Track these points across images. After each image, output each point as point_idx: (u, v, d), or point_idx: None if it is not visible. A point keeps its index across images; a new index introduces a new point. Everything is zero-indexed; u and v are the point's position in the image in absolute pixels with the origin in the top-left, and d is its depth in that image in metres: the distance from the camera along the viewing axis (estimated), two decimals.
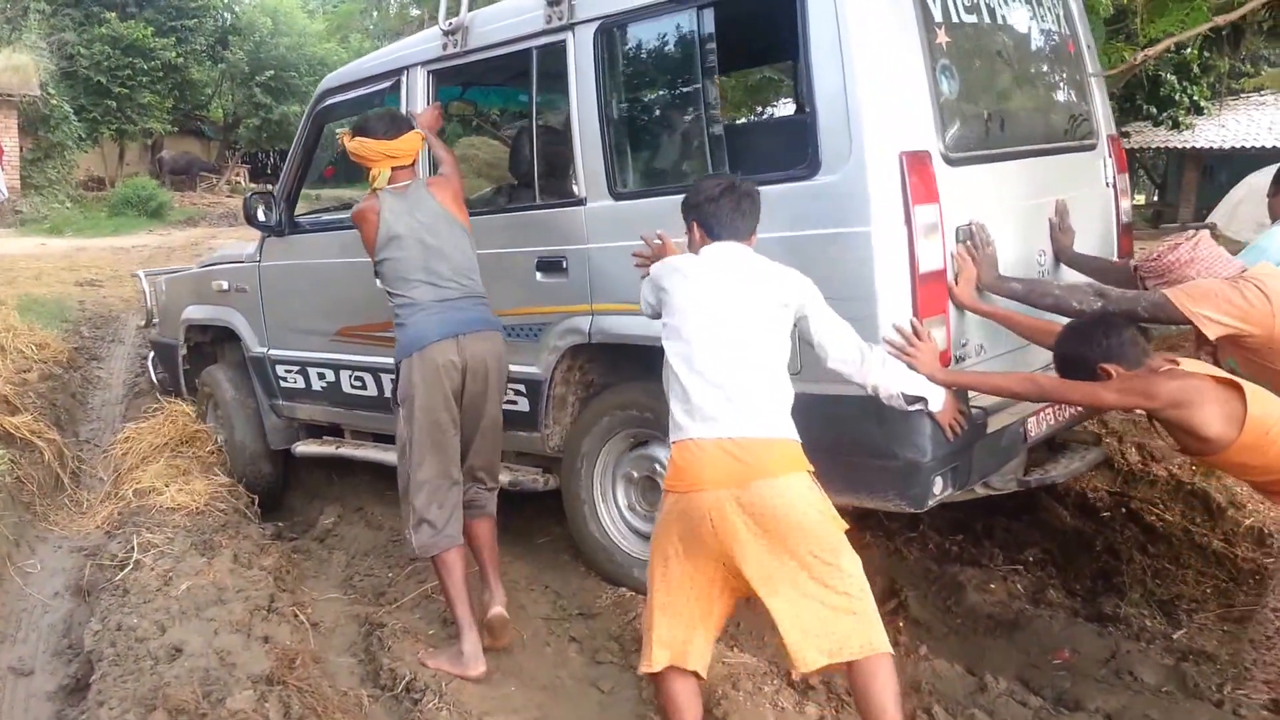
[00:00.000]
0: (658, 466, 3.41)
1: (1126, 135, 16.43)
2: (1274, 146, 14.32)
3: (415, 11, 17.18)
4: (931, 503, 2.84)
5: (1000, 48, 3.35)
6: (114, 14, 21.90)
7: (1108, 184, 3.76)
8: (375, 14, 18.83)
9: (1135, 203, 19.10)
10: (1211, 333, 2.62)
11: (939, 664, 3.23)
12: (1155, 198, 22.36)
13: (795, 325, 2.57)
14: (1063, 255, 3.36)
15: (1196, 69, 13.66)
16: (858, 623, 2.30)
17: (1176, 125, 15.75)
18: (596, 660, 3.24)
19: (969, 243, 2.94)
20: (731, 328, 2.45)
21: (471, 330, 3.19)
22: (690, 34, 3.21)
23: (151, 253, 13.58)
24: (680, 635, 2.41)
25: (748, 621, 3.26)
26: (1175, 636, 3.32)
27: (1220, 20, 3.42)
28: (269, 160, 32.28)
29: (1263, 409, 2.44)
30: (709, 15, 3.11)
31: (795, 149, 2.96)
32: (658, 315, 2.64)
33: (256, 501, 4.88)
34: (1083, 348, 2.61)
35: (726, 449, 2.34)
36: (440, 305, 3.18)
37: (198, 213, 20.55)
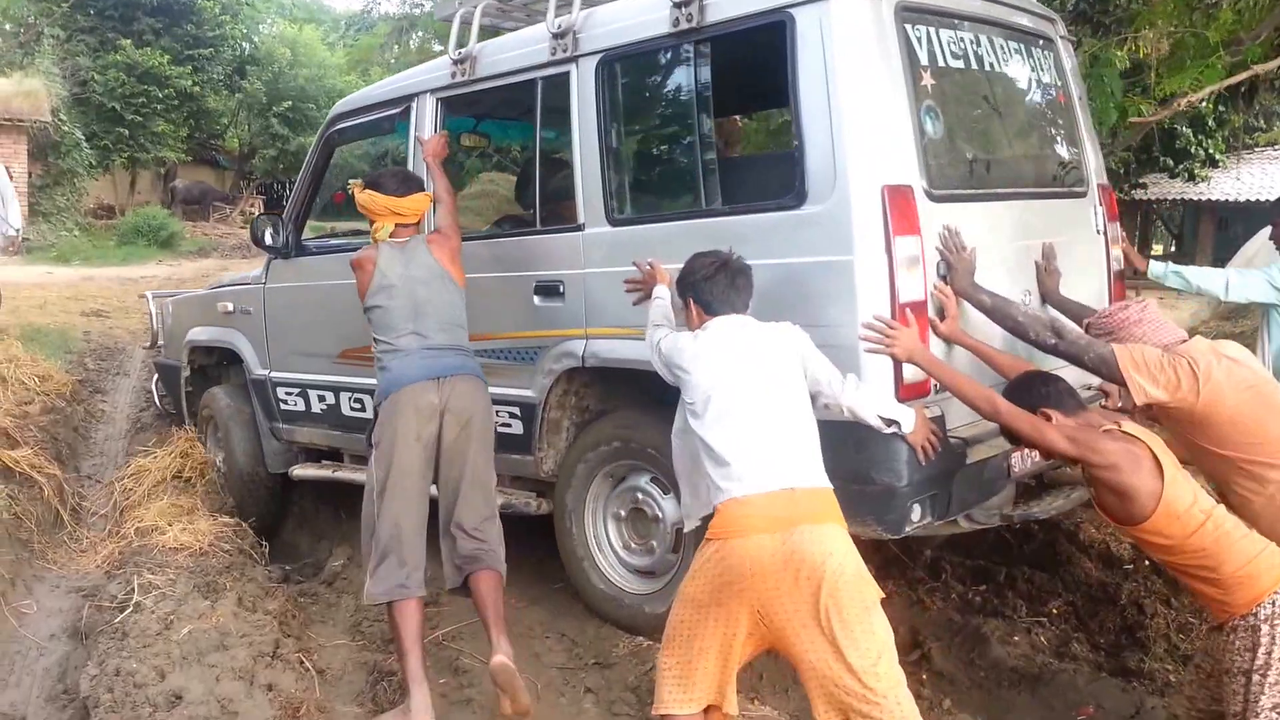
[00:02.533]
0: (639, 495, 3.53)
1: (1144, 186, 16.63)
2: None
3: (438, 47, 17.29)
4: (909, 529, 2.94)
5: (987, 93, 3.50)
6: (130, 41, 21.95)
7: (1098, 231, 3.86)
8: (396, 47, 18.93)
9: (1154, 253, 19.38)
10: (1139, 399, 2.73)
11: (962, 718, 3.20)
12: (1173, 248, 22.70)
13: None
14: (1049, 297, 3.47)
15: (1212, 123, 13.81)
16: (874, 694, 2.28)
17: (1192, 178, 15.88)
18: (613, 712, 3.15)
19: (946, 241, 3.04)
20: (756, 391, 2.54)
21: (453, 374, 3.24)
22: (687, 69, 3.38)
23: (160, 283, 13.53)
24: (713, 685, 2.45)
25: (770, 673, 3.22)
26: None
27: (1233, 80, 3.45)
28: (284, 191, 32.43)
29: (1176, 491, 2.50)
30: (705, 51, 3.27)
31: (785, 180, 3.11)
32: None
33: (260, 540, 4.81)
34: (1024, 393, 2.73)
35: (774, 498, 2.39)
36: (424, 352, 3.24)
37: (210, 243, 20.60)
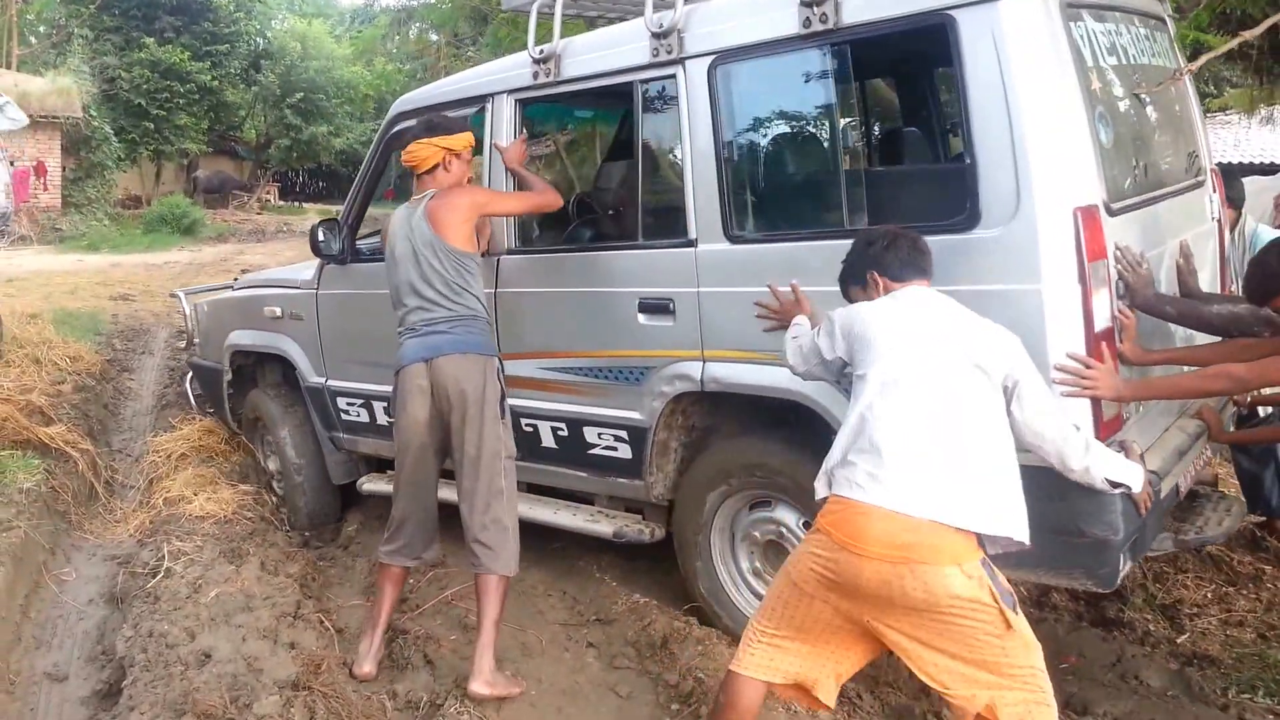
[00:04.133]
0: (783, 530, 3.24)
1: None
2: (1239, 163, 14.25)
3: (434, 37, 17.43)
4: (1118, 580, 2.67)
5: (1136, 90, 3.19)
6: (153, 39, 22.55)
7: (1213, 218, 3.64)
8: (396, 38, 19.21)
9: None
10: None
11: None
12: None
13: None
14: (1191, 297, 3.20)
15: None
16: (1019, 703, 2.13)
17: None
18: (614, 665, 3.28)
19: (1124, 260, 2.77)
20: (946, 383, 2.22)
21: (443, 354, 3.16)
22: (821, 74, 3.03)
23: (182, 268, 13.86)
24: (803, 661, 2.28)
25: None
26: (1179, 641, 3.33)
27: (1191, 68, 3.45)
28: (298, 179, 32.86)
29: None
30: (843, 54, 2.94)
31: (948, 200, 2.76)
32: (817, 372, 2.57)
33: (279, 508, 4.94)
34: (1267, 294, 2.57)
35: (898, 521, 2.10)
36: (424, 328, 3.21)
37: (228, 229, 20.98)
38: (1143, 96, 3.20)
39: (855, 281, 2.54)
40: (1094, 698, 3.01)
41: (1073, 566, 2.57)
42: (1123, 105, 3.09)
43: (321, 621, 3.62)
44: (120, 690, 3.20)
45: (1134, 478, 2.39)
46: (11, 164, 17.91)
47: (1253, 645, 3.25)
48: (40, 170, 18.60)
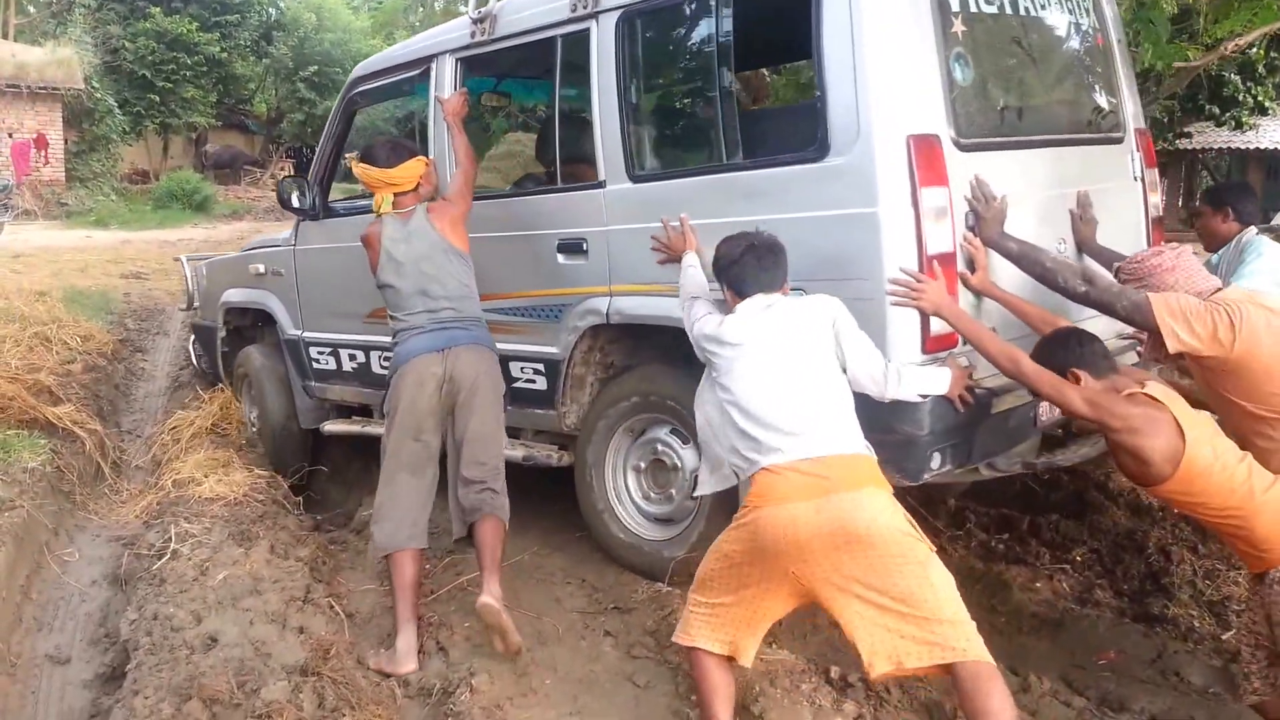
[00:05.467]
0: (659, 446, 3.56)
1: (1189, 135, 16.12)
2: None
3: (462, 8, 17.19)
4: (927, 477, 2.91)
5: (1021, 38, 3.38)
6: (158, 9, 22.14)
7: (1135, 178, 3.77)
8: (420, 9, 18.87)
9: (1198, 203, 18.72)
10: (1172, 347, 2.69)
11: None
12: None
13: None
14: (1084, 246, 3.39)
15: (1262, 69, 13.31)
16: (937, 633, 2.28)
17: (1240, 125, 15.41)
18: (632, 655, 3.19)
19: (974, 191, 2.98)
20: (785, 363, 2.54)
21: (457, 345, 3.34)
22: (708, 23, 3.32)
23: (198, 246, 13.72)
24: (737, 635, 2.51)
25: (788, 619, 3.18)
26: (1224, 638, 3.26)
27: None
28: (312, 154, 32.61)
29: (1197, 451, 2.48)
30: (727, 4, 3.20)
31: (807, 132, 3.02)
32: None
33: (291, 490, 4.93)
34: (1057, 350, 2.69)
35: (804, 469, 2.39)
36: (434, 326, 3.35)
37: (243, 206, 20.83)
38: (1027, 47, 3.40)
39: (719, 281, 2.79)
40: (1131, 694, 2.95)
41: (885, 462, 2.67)
42: (996, 52, 3.31)
43: (331, 606, 3.54)
44: (124, 674, 3.14)
45: (938, 385, 2.76)
46: (10, 136, 17.78)
47: None
48: (41, 143, 18.37)
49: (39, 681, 3.36)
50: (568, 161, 3.78)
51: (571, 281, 3.65)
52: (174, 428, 5.54)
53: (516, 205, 3.97)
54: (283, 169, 27.92)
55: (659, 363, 3.55)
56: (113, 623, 3.66)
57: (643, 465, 3.67)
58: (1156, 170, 3.92)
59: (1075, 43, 3.64)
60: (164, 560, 3.85)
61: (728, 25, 3.25)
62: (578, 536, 4.02)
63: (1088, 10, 3.67)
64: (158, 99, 22.36)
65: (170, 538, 4.03)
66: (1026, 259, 3.02)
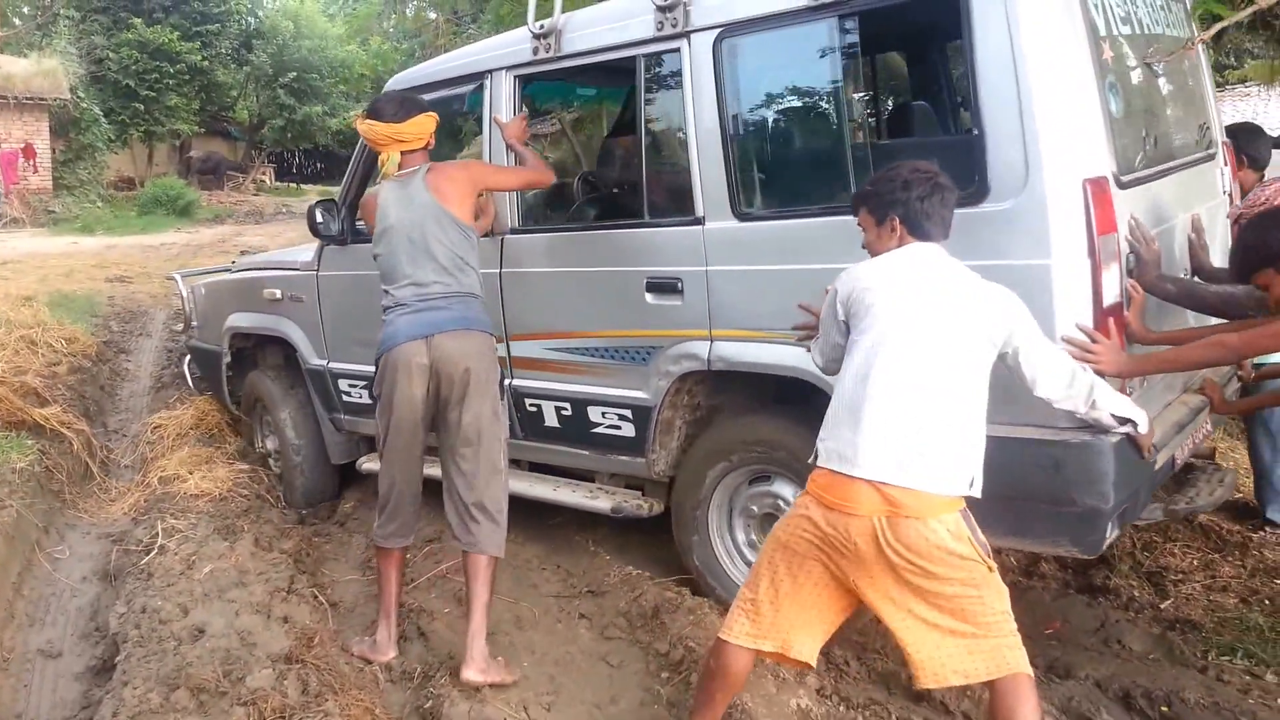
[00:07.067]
0: (780, 504, 3.25)
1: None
2: None
3: (433, 15, 17.29)
4: (1104, 548, 2.69)
5: (1148, 59, 3.13)
6: (141, 19, 22.31)
7: (1224, 192, 3.60)
8: (393, 16, 18.99)
9: None
10: None
11: None
12: None
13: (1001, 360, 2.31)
14: (1202, 272, 3.15)
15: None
16: (988, 649, 2.19)
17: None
18: (605, 636, 3.30)
19: (1136, 235, 2.73)
20: (935, 360, 2.21)
21: (444, 330, 3.08)
22: (830, 45, 2.98)
23: (179, 250, 13.79)
24: (791, 630, 2.32)
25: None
26: (1163, 606, 3.35)
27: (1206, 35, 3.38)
28: (293, 160, 32.70)
29: None
30: (852, 25, 2.88)
31: (959, 173, 2.63)
32: (837, 356, 2.42)
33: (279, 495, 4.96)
34: (1270, 233, 2.53)
35: (885, 493, 2.15)
36: (419, 304, 3.10)
37: (225, 211, 20.83)
38: (1155, 67, 3.13)
39: (873, 214, 2.42)
40: (1076, 661, 3.03)
41: (1060, 535, 2.55)
42: (1135, 76, 3.02)
43: (315, 596, 3.64)
44: (114, 666, 3.20)
45: (1140, 416, 2.44)
46: None
47: (1234, 610, 3.27)
48: (29, 152, 18.40)
49: (32, 675, 3.42)
50: (655, 194, 3.44)
51: (663, 323, 3.32)
52: (158, 426, 5.60)
53: (595, 238, 3.60)
54: (264, 174, 28.00)
55: (761, 410, 3.30)
56: (102, 617, 3.72)
57: (755, 511, 3.37)
58: (1249, 170, 3.77)
59: (1179, 58, 3.35)
60: (152, 555, 3.93)
61: (853, 48, 2.93)
62: (552, 524, 4.11)
63: (1182, 21, 3.47)
64: (142, 107, 22.49)
65: (157, 533, 4.11)
66: (1189, 297, 2.84)
